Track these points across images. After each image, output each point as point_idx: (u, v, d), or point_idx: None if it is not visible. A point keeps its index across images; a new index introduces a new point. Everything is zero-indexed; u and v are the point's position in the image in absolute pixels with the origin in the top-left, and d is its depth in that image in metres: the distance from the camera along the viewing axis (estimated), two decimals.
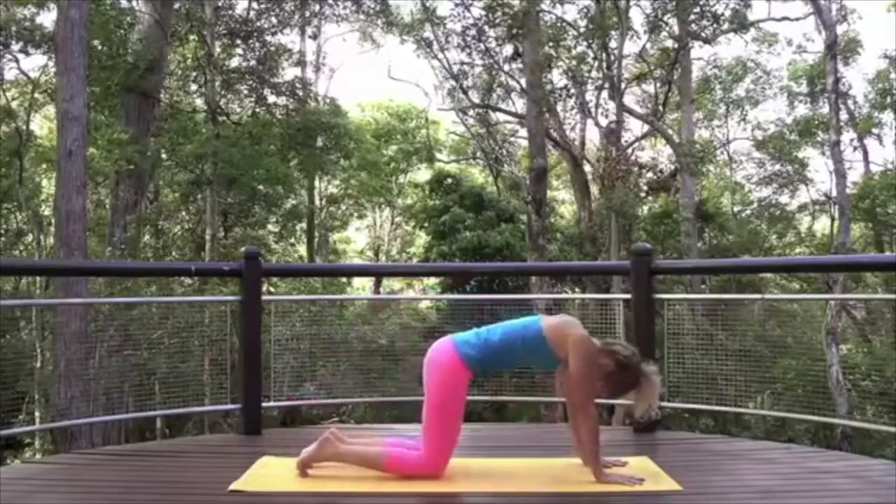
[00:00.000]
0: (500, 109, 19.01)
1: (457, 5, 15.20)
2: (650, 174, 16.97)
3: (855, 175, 19.51)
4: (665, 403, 4.89)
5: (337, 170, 20.00)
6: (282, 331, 5.60)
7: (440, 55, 16.49)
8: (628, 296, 4.83)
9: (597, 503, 3.25)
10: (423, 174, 22.82)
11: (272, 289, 12.80)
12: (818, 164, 29.65)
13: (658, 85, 17.90)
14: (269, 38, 15.73)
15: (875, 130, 19.77)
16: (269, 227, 18.66)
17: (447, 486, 3.36)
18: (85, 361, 7.16)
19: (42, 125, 18.20)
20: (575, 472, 3.48)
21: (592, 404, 3.47)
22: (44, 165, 15.76)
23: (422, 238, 20.94)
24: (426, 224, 18.28)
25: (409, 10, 17.85)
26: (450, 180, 18.22)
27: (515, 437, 4.75)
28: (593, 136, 19.30)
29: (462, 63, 16.54)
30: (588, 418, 3.43)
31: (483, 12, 14.95)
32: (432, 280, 18.65)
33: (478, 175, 22.15)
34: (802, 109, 19.83)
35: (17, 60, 14.09)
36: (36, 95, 15.62)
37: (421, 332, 12.20)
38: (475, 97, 18.29)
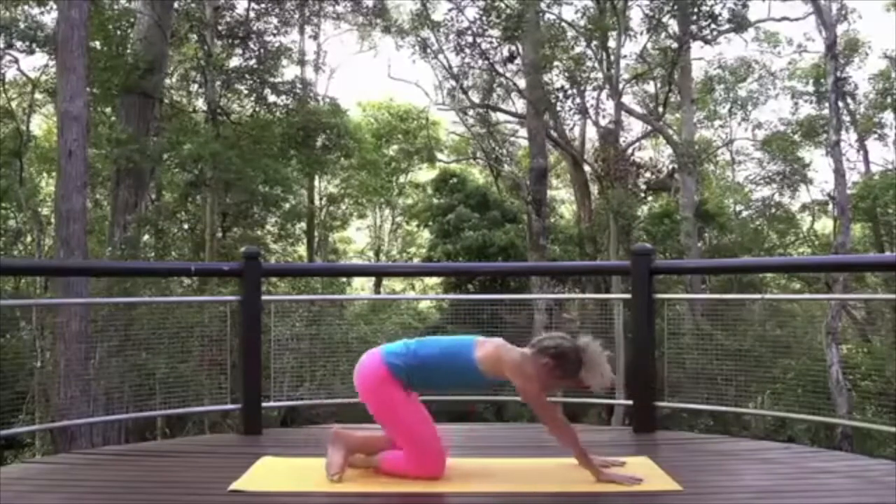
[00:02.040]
0: (500, 109, 19.02)
1: (451, 9, 15.21)
2: (650, 174, 16.97)
3: (857, 175, 19.54)
4: (665, 403, 4.90)
5: (337, 169, 20.00)
6: (282, 331, 5.61)
7: (439, 56, 16.50)
8: (628, 296, 4.83)
9: (596, 503, 3.25)
10: (423, 174, 22.82)
11: (271, 289, 12.80)
12: (821, 165, 29.69)
13: (658, 85, 17.90)
14: (268, 38, 15.74)
15: (876, 130, 19.75)
16: (268, 227, 18.66)
17: (446, 486, 3.36)
18: (85, 361, 7.15)
19: (42, 125, 18.22)
20: (574, 472, 3.47)
21: (557, 415, 3.46)
22: (43, 165, 15.79)
23: (424, 237, 20.96)
24: (430, 223, 18.31)
25: (407, 11, 17.88)
26: (454, 180, 18.25)
27: (515, 437, 4.74)
28: (593, 136, 19.32)
29: (462, 63, 16.55)
30: (560, 429, 3.43)
31: (478, 14, 14.94)
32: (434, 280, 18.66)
33: (478, 175, 22.17)
34: (807, 109, 19.84)
35: (17, 60, 14.11)
36: (36, 95, 15.64)
37: (421, 333, 12.23)
38: (475, 97, 18.30)
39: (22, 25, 13.09)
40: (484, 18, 14.80)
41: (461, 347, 3.44)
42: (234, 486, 3.31)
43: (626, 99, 17.06)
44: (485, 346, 3.42)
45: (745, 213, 21.41)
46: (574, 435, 3.43)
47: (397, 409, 3.40)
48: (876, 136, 19.87)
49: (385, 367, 3.40)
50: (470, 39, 15.25)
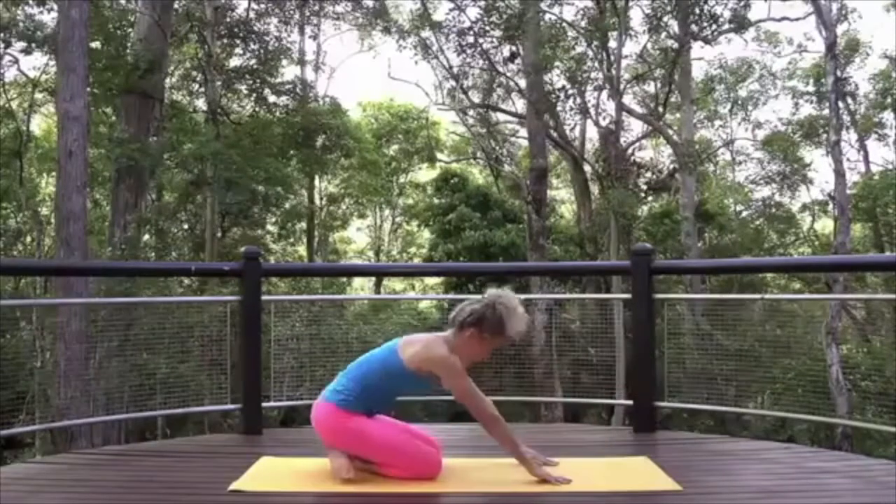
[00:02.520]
0: (500, 109, 19.02)
1: (452, 9, 15.21)
2: (650, 174, 16.97)
3: (857, 175, 19.55)
4: (665, 403, 4.90)
5: (337, 169, 20.01)
6: (282, 331, 5.60)
7: (439, 56, 16.50)
8: (628, 296, 4.83)
9: (595, 503, 3.25)
10: (424, 174, 22.82)
11: (271, 289, 12.80)
12: (821, 165, 29.66)
13: (658, 85, 17.90)
14: (268, 38, 15.74)
15: (876, 130, 19.75)
16: (268, 227, 18.67)
17: (445, 486, 3.36)
18: (85, 361, 7.15)
19: (42, 125, 18.22)
20: (574, 473, 3.47)
21: (489, 410, 3.34)
22: (44, 165, 15.78)
23: (424, 237, 20.97)
24: (431, 223, 18.31)
25: (407, 11, 17.88)
26: (455, 179, 18.26)
27: None
28: (593, 136, 19.32)
29: (462, 64, 16.55)
30: (493, 424, 3.35)
31: (479, 14, 14.94)
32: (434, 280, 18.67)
33: (478, 175, 22.17)
34: (808, 109, 19.85)
35: (17, 60, 14.12)
36: (36, 95, 15.64)
37: (421, 333, 12.22)
38: (475, 97, 18.29)
39: (21, 25, 13.10)
40: (485, 18, 14.80)
41: (387, 355, 3.40)
42: (234, 486, 3.30)
43: (627, 99, 17.08)
44: (412, 345, 3.37)
45: (745, 213, 21.42)
46: (507, 430, 3.36)
47: (369, 434, 3.37)
48: (876, 136, 19.89)
49: (337, 407, 3.36)
50: (471, 40, 15.25)
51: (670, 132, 17.83)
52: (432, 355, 3.31)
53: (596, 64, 15.66)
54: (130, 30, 13.54)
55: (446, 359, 3.30)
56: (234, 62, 16.16)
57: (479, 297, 3.44)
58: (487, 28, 14.95)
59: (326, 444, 3.44)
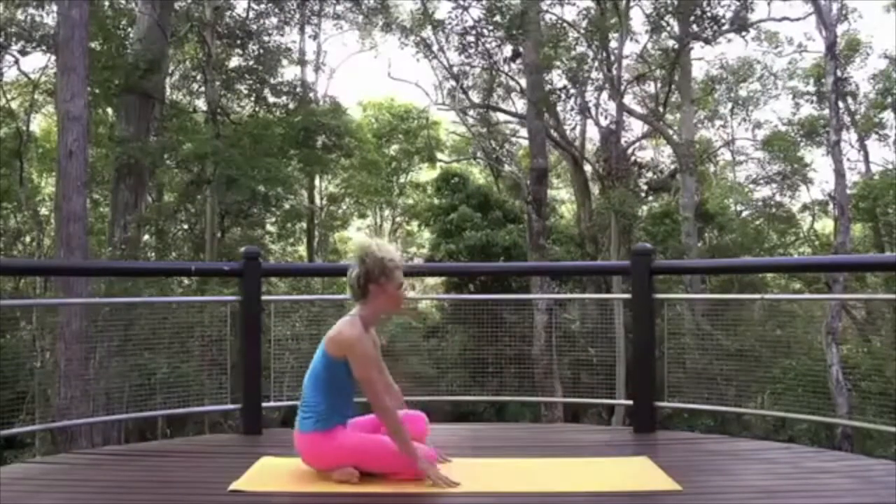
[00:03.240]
0: (500, 109, 19.03)
1: (454, 8, 15.22)
2: (650, 174, 16.97)
3: (857, 175, 19.55)
4: (665, 403, 4.90)
5: (338, 169, 20.01)
6: (282, 331, 5.60)
7: (440, 56, 16.50)
8: (628, 296, 4.83)
9: (595, 503, 3.25)
10: (424, 174, 22.83)
11: (271, 289, 12.80)
12: (821, 165, 29.69)
13: (658, 85, 17.90)
14: (268, 38, 15.74)
15: (876, 130, 19.76)
16: (268, 226, 18.67)
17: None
18: (85, 361, 7.16)
19: (42, 125, 18.22)
20: (574, 473, 3.47)
21: (384, 401, 3.30)
22: (44, 165, 15.78)
23: (424, 237, 20.96)
24: (431, 223, 18.31)
25: (408, 10, 17.87)
26: (456, 179, 18.27)
27: (515, 437, 4.74)
28: (594, 136, 19.33)
29: (462, 63, 16.54)
30: (383, 415, 3.31)
31: (482, 13, 14.95)
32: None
33: (478, 175, 22.17)
34: (808, 109, 19.85)
35: (17, 60, 14.12)
36: (36, 95, 15.64)
37: (421, 333, 12.22)
38: (475, 97, 18.30)
39: (19, 26, 13.10)
40: (488, 17, 14.80)
41: (320, 354, 3.37)
42: (234, 486, 3.30)
43: (627, 99, 17.07)
44: (330, 334, 3.36)
45: (745, 213, 21.43)
46: (397, 424, 3.28)
47: (358, 444, 3.34)
48: (876, 136, 19.89)
49: (314, 433, 3.34)
50: (472, 39, 15.25)
51: (670, 132, 17.83)
52: (341, 338, 3.30)
53: (596, 64, 15.67)
54: (130, 30, 13.54)
55: (352, 342, 3.27)
56: (234, 62, 16.16)
57: (349, 263, 3.47)
58: (490, 27, 14.95)
59: (323, 470, 3.38)
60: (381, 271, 3.34)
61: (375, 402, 3.30)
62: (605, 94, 15.83)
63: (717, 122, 22.04)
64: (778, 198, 21.24)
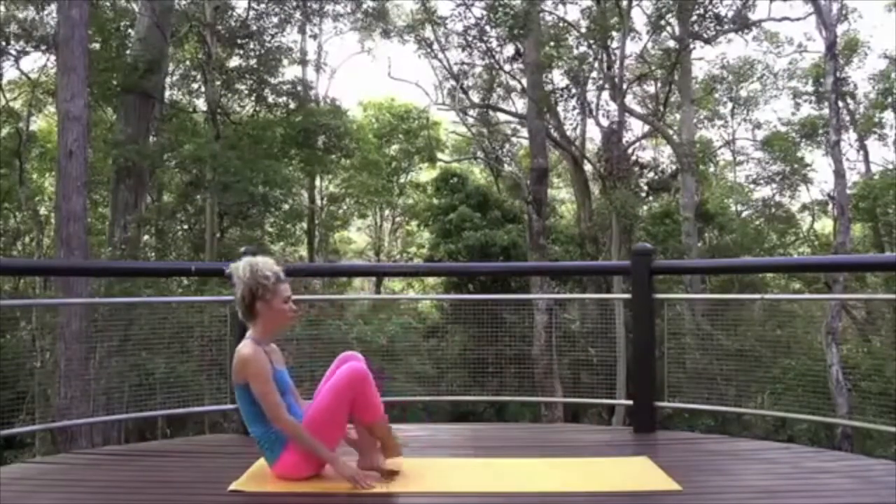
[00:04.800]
0: (500, 109, 19.02)
1: (458, 5, 15.22)
2: (651, 174, 16.98)
3: (857, 175, 19.56)
4: (665, 403, 4.90)
5: (338, 169, 20.00)
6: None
7: (441, 55, 16.51)
8: (628, 296, 4.83)
9: (595, 503, 3.25)
10: (424, 174, 22.83)
11: None
12: (821, 165, 29.70)
13: (659, 85, 17.90)
14: (268, 38, 15.74)
15: (876, 130, 19.77)
16: (267, 227, 18.66)
17: (446, 485, 3.37)
18: (85, 361, 7.16)
19: (42, 125, 18.22)
20: (575, 473, 3.47)
21: (285, 416, 3.27)
22: (44, 165, 15.77)
23: (424, 237, 20.96)
24: (431, 223, 18.30)
25: (409, 10, 17.88)
26: (455, 179, 18.27)
27: (515, 437, 4.74)
28: (594, 136, 19.33)
29: (462, 63, 16.54)
30: (290, 432, 3.29)
31: (484, 12, 14.96)
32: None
33: (478, 175, 22.17)
34: (808, 109, 19.86)
35: (17, 60, 14.12)
36: (36, 95, 15.64)
37: (421, 333, 12.23)
38: (476, 97, 18.29)
39: (17, 27, 13.11)
40: (491, 15, 14.80)
41: (235, 386, 3.38)
42: (234, 486, 3.30)
43: (627, 99, 17.06)
44: (232, 367, 3.36)
45: (745, 213, 21.43)
46: (299, 433, 3.27)
47: (315, 434, 3.30)
48: (876, 136, 19.89)
49: (283, 459, 3.33)
50: (474, 35, 15.25)
51: (671, 132, 17.84)
52: (236, 362, 3.31)
53: (597, 64, 15.67)
54: (130, 30, 13.54)
55: (245, 361, 3.28)
56: (234, 62, 16.15)
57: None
58: (493, 25, 14.95)
59: (323, 473, 3.38)
60: (263, 288, 3.40)
61: (275, 417, 3.27)
62: (605, 94, 15.85)
63: (718, 122, 22.05)
64: (778, 198, 21.25)
